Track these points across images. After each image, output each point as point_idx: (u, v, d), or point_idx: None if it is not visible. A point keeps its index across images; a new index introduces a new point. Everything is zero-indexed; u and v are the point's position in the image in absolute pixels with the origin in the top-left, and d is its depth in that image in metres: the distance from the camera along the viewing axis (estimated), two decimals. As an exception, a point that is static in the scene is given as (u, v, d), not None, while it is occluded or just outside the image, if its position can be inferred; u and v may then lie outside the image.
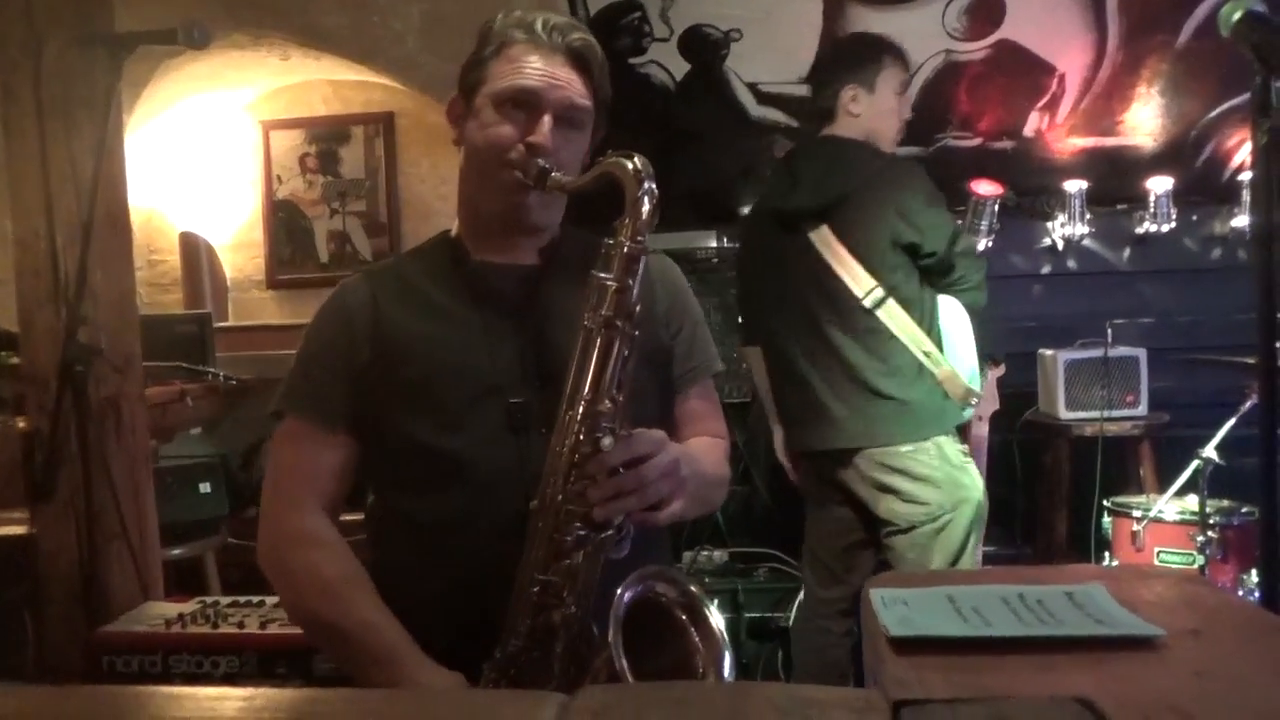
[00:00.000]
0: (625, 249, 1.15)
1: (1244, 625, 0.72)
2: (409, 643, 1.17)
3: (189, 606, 2.15)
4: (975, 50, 3.38)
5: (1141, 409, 3.34)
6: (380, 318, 1.28)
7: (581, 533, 1.12)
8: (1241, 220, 3.61)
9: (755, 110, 3.56)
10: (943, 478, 2.34)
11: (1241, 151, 3.57)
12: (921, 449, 2.34)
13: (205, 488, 3.10)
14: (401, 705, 0.70)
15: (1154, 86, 3.49)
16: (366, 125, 4.18)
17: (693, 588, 1.15)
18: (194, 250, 4.14)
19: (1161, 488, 2.98)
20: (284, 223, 4.25)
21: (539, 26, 1.27)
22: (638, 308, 1.16)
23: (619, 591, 1.07)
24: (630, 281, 1.15)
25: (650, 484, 1.12)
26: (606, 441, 1.11)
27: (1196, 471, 2.74)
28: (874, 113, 2.40)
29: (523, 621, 1.13)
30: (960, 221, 2.61)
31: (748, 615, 3.25)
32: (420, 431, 1.23)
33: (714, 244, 3.79)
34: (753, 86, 3.51)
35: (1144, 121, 3.60)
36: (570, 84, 1.26)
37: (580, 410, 1.13)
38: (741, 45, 3.38)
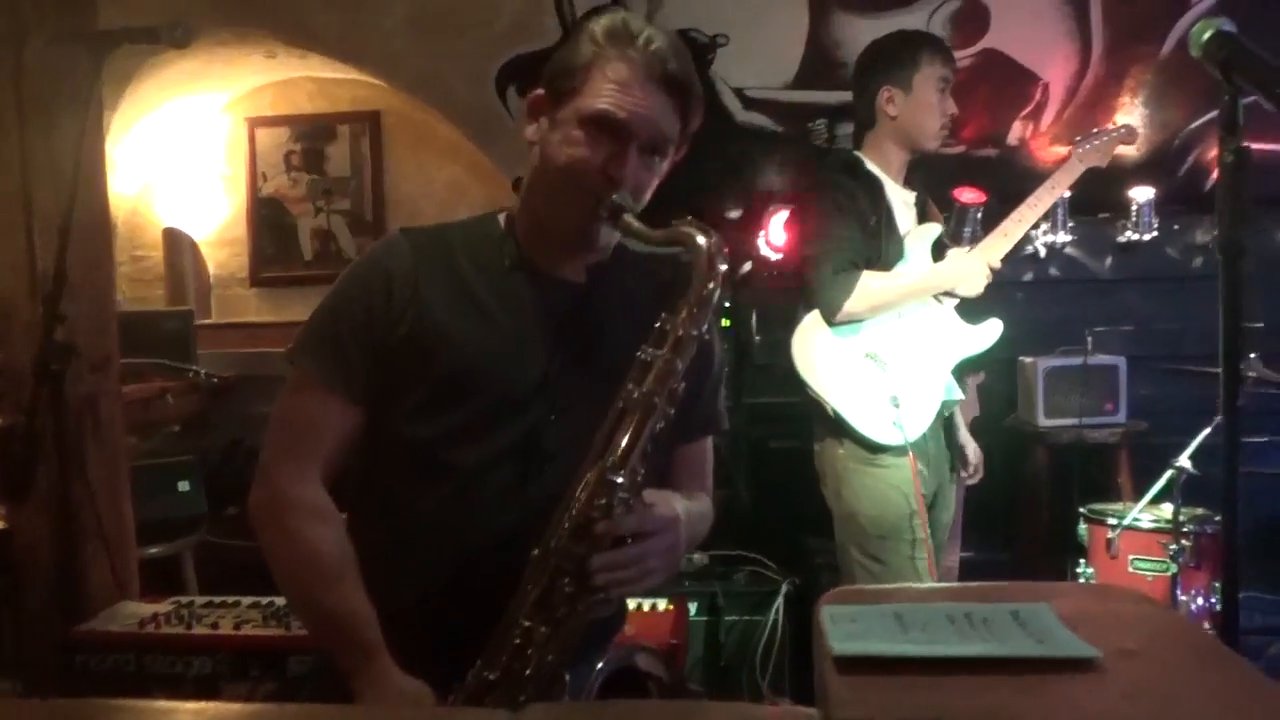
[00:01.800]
0: (681, 332, 1.15)
1: (1180, 646, 0.74)
2: (382, 644, 1.17)
3: (164, 606, 2.15)
4: (961, 58, 3.38)
5: (1120, 416, 3.36)
6: (420, 295, 1.24)
7: (571, 590, 1.12)
8: (1223, 230, 3.62)
9: (741, 115, 3.57)
10: (829, 480, 2.43)
11: (1223, 162, 3.59)
12: (821, 446, 2.45)
13: (184, 486, 3.09)
14: None
15: (1137, 96, 3.51)
16: (353, 123, 4.17)
17: (680, 679, 1.16)
18: (177, 246, 4.14)
19: (1139, 495, 3.00)
20: (268, 220, 4.24)
21: (640, 44, 1.21)
22: (681, 387, 1.16)
23: (599, 666, 1.08)
24: (679, 364, 1.15)
25: (650, 564, 1.13)
26: (619, 511, 1.11)
27: (1171, 480, 2.76)
28: (912, 112, 2.39)
29: (500, 658, 1.13)
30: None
31: (727, 619, 3.26)
32: (432, 433, 1.21)
33: (700, 248, 3.79)
34: (739, 91, 3.52)
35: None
36: (662, 115, 1.23)
37: (601, 475, 1.13)
38: (728, 50, 3.38)
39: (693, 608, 3.19)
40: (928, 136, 2.40)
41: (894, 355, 2.35)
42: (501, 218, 1.34)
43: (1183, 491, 2.75)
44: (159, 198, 4.31)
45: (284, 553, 1.24)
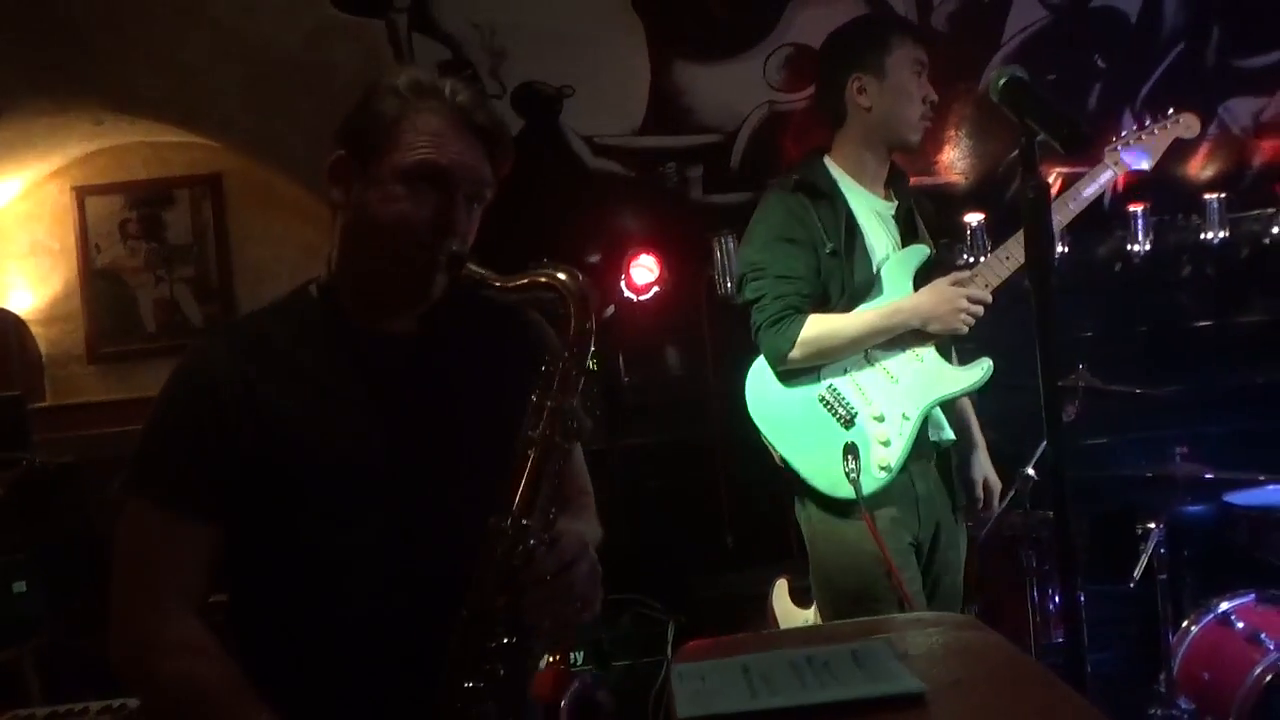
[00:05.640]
0: (571, 370, 1.18)
1: (1002, 673, 0.78)
2: None
3: (-1, 723, 1.99)
4: (796, 100, 3.55)
5: (972, 430, 3.53)
6: (254, 392, 1.18)
7: (506, 640, 1.13)
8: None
9: (592, 162, 3.62)
10: (806, 540, 2.18)
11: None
12: (798, 504, 2.17)
13: (20, 586, 2.86)
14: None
15: (961, 130, 3.74)
16: (192, 187, 3.99)
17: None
18: (2, 327, 3.86)
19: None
20: (104, 293, 4.00)
21: (446, 95, 1.22)
22: (576, 425, 1.18)
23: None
24: (572, 402, 1.18)
25: (580, 591, 1.15)
26: (539, 554, 1.13)
27: (1019, 488, 2.91)
28: (889, 101, 2.12)
29: None
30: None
31: (616, 665, 3.23)
32: (304, 526, 1.17)
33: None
34: (589, 140, 3.57)
35: (956, 161, 3.86)
36: (480, 165, 1.24)
37: (515, 523, 1.14)
38: (574, 101, 3.44)
39: (578, 657, 3.15)
40: (908, 127, 2.15)
41: (855, 401, 2.09)
42: (313, 288, 1.30)
43: (1030, 498, 2.91)
44: (-23, 277, 4.02)
45: (166, 700, 1.16)
